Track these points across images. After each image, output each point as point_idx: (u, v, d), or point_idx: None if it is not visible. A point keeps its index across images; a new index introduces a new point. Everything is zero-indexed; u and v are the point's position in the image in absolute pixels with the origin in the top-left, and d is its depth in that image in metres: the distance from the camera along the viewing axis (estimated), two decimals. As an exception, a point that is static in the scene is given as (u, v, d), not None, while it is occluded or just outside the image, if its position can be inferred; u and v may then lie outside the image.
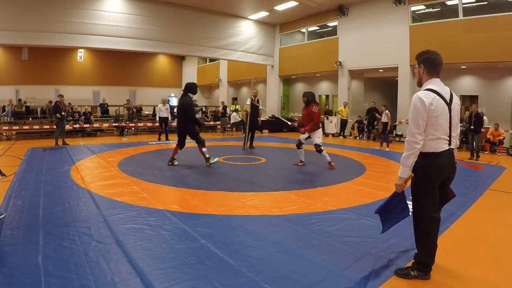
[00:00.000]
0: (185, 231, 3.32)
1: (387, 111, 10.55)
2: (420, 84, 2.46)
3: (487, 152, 9.83)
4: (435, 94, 2.30)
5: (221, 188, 5.07)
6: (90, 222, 3.54)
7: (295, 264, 2.68)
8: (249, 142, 9.46)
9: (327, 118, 15.24)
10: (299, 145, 6.82)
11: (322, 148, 6.55)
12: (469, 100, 12.59)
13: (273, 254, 2.87)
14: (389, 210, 2.57)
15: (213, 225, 3.52)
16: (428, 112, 2.25)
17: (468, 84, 12.49)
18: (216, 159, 6.73)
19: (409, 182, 2.48)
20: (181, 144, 6.75)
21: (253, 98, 9.22)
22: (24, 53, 18.84)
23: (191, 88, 6.62)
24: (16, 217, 3.63)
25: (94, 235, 3.18)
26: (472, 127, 8.88)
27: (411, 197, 2.51)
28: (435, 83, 2.36)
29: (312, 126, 6.48)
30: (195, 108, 6.97)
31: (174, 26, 13.93)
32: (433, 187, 2.40)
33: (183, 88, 6.73)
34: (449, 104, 2.35)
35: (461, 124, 10.58)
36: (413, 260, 2.56)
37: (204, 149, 6.59)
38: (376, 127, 12.73)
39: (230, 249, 2.91)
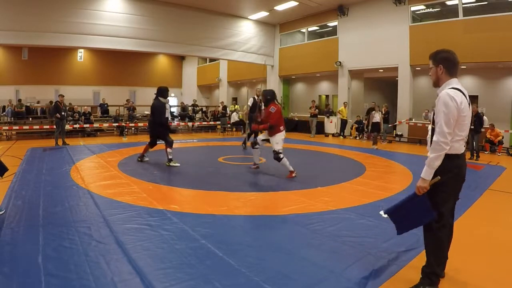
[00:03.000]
0: (185, 231, 3.32)
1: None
2: (437, 85, 2.36)
3: (487, 152, 9.83)
4: (461, 94, 2.21)
5: (221, 188, 5.07)
6: (90, 222, 3.54)
7: (295, 264, 2.68)
8: (250, 142, 9.26)
9: (328, 117, 15.26)
10: (254, 144, 6.30)
11: (282, 156, 5.80)
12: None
13: (273, 254, 2.87)
14: (406, 212, 2.38)
15: (213, 225, 3.52)
16: (459, 111, 2.16)
17: (468, 84, 12.46)
18: (177, 164, 6.76)
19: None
20: (152, 143, 7.03)
21: (256, 98, 8.75)
22: (24, 53, 18.83)
23: (161, 92, 6.84)
24: (16, 217, 3.63)
25: (94, 235, 3.18)
26: (472, 127, 8.87)
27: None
28: (458, 83, 2.28)
29: (267, 127, 5.83)
30: (166, 110, 7.16)
31: (174, 26, 13.93)
32: (455, 191, 2.32)
33: (155, 92, 6.94)
34: (470, 105, 2.32)
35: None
36: (421, 275, 2.38)
37: (169, 150, 6.74)
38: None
39: (230, 249, 2.91)
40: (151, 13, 13.26)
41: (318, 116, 15.01)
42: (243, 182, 5.62)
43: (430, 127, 2.43)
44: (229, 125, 15.31)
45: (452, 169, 2.24)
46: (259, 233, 3.31)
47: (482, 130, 9.32)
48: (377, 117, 10.92)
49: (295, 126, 16.65)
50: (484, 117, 9.85)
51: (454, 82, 2.28)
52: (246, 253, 2.84)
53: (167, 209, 3.97)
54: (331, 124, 15.17)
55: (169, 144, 6.76)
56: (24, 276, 2.41)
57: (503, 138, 9.98)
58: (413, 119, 12.38)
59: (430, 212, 2.28)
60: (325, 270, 2.57)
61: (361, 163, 7.50)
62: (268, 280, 2.38)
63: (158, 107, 6.78)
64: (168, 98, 6.95)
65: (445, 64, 2.29)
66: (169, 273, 2.48)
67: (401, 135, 12.81)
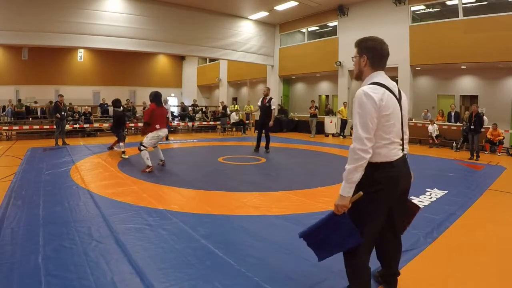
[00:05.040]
0: (185, 231, 3.32)
1: None
2: (359, 78, 2.01)
3: (487, 152, 9.83)
4: (383, 89, 1.85)
5: (221, 188, 5.07)
6: (90, 222, 3.54)
7: (295, 264, 2.68)
8: (262, 143, 8.83)
9: (330, 115, 15.24)
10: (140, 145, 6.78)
11: (143, 148, 6.29)
12: (469, 100, 12.59)
13: (273, 254, 2.87)
14: (324, 235, 2.00)
15: (213, 225, 3.52)
16: (379, 111, 1.78)
17: (468, 84, 12.48)
18: (126, 156, 7.83)
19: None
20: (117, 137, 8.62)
21: (264, 98, 8.57)
22: (24, 53, 18.84)
23: (113, 103, 8.63)
24: (16, 217, 3.63)
25: (94, 235, 3.18)
26: (472, 127, 8.88)
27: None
28: (382, 76, 1.93)
29: (143, 126, 6.59)
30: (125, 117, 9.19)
31: (174, 26, 13.93)
32: (381, 210, 1.90)
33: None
34: (399, 100, 1.95)
35: (461, 124, 10.62)
36: None
37: (121, 144, 8.20)
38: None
39: (230, 249, 2.91)
40: (151, 13, 13.26)
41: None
42: (243, 182, 5.61)
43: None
44: (229, 125, 15.30)
45: (380, 181, 1.84)
46: (259, 233, 3.31)
47: (482, 130, 9.32)
48: None
49: (295, 126, 16.65)
50: (484, 117, 9.85)
51: (378, 76, 1.92)
52: (246, 253, 2.84)
53: (167, 209, 3.97)
54: (331, 124, 15.18)
55: (122, 139, 8.39)
56: (24, 276, 2.41)
57: (503, 138, 9.98)
58: (413, 119, 12.37)
59: (354, 235, 1.89)
60: (325, 270, 2.56)
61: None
62: (268, 280, 2.38)
63: (114, 114, 8.74)
64: (119, 104, 8.73)
65: (370, 54, 1.92)
66: (169, 273, 2.47)
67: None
